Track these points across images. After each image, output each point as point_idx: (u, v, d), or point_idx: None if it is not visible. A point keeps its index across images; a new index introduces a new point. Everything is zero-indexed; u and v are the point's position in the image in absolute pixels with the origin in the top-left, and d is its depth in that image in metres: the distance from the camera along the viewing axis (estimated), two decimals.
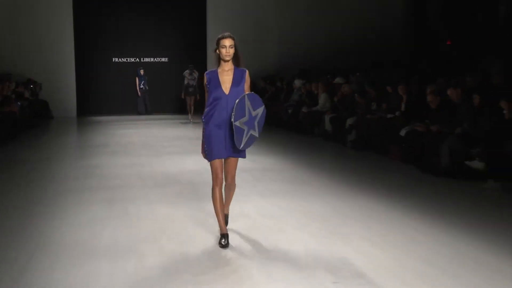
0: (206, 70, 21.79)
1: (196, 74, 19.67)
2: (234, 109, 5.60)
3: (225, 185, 6.09)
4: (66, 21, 21.26)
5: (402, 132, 10.92)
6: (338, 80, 16.03)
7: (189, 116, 19.71)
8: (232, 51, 5.97)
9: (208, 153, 5.87)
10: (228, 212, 6.42)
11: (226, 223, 6.20)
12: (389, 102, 12.67)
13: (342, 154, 12.64)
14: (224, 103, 5.79)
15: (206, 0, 22.23)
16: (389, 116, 12.18)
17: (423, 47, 20.52)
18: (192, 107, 19.66)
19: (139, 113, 22.52)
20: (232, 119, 5.60)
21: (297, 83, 18.33)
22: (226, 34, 5.98)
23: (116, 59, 23.13)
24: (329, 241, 6.01)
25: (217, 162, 5.86)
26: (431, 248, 5.76)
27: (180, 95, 20.13)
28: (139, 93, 22.50)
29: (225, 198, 6.20)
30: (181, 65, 22.70)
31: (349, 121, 13.22)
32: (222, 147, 5.83)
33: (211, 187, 5.95)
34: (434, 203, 7.74)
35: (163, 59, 23.30)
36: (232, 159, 5.94)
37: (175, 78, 22.48)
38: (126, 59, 23.15)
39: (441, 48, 19.49)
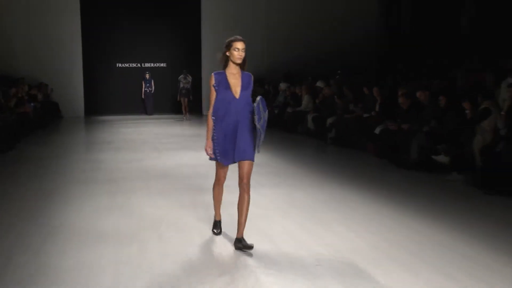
0: (200, 74, 22.13)
1: (189, 78, 20.46)
2: (255, 113, 5.26)
3: (239, 192, 5.63)
4: (74, 30, 21.15)
5: (377, 130, 10.99)
6: (319, 83, 16.07)
7: (185, 114, 20.14)
8: (243, 54, 5.49)
9: (217, 155, 5.57)
10: (242, 236, 5.37)
11: (247, 247, 5.26)
12: (365, 103, 12.72)
13: (323, 149, 12.67)
14: (234, 106, 5.35)
15: (201, 12, 22.18)
16: (365, 115, 12.23)
17: (397, 54, 20.54)
18: (187, 107, 20.31)
19: (147, 114, 22.09)
20: (256, 122, 5.29)
21: (282, 86, 18.36)
22: (239, 37, 5.49)
23: (120, 65, 23.06)
24: (311, 227, 6.04)
25: (223, 167, 5.64)
26: (402, 233, 5.80)
27: (178, 98, 20.53)
28: (143, 95, 22.10)
29: (239, 211, 5.50)
30: (178, 70, 22.69)
31: (329, 120, 13.26)
32: (231, 153, 5.52)
33: (212, 183, 5.90)
34: (404, 193, 7.79)
35: (162, 65, 23.24)
36: (246, 162, 5.58)
37: (173, 81, 22.50)
38: (129, 65, 23.08)
39: (415, 54, 19.53)
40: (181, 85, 20.33)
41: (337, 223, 6.20)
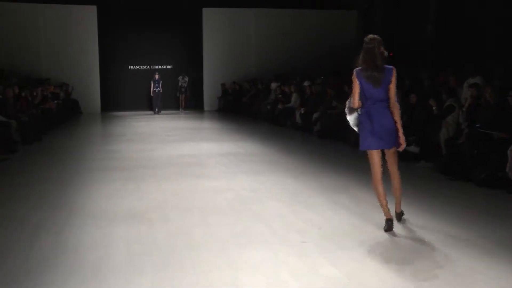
0: (202, 75, 22.11)
1: (186, 78, 21.91)
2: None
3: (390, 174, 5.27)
4: (92, 37, 21.04)
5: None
6: (306, 83, 16.01)
7: (181, 109, 21.63)
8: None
9: (368, 145, 5.07)
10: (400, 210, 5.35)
11: (399, 219, 5.29)
12: (345, 100, 12.65)
13: (309, 141, 12.64)
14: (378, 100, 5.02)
15: (202, 21, 22.07)
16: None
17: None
18: (183, 102, 21.68)
19: (154, 113, 20.79)
20: (359, 112, 5.14)
21: (273, 85, 18.31)
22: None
23: (132, 67, 22.95)
24: (299, 209, 6.00)
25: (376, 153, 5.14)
26: (378, 212, 5.79)
27: (177, 94, 21.95)
28: (151, 93, 20.92)
29: (395, 191, 5.30)
30: (182, 71, 22.65)
31: (315, 115, 13.21)
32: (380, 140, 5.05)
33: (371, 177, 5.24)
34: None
35: (168, 67, 23.14)
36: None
37: (177, 81, 22.48)
38: (140, 67, 22.98)
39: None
40: (180, 84, 21.80)
41: (322, 206, 6.16)
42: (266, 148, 11.06)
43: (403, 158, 9.04)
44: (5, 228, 5.33)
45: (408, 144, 9.12)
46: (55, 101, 16.68)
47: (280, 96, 16.90)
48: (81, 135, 14.40)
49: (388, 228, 5.07)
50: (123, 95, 22.69)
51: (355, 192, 6.85)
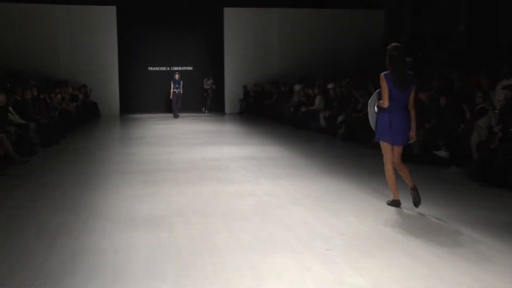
0: (223, 77, 22.17)
1: (210, 81, 22.09)
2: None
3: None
4: (111, 38, 21.27)
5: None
6: (330, 85, 15.95)
7: (205, 110, 21.98)
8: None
9: (385, 138, 6.09)
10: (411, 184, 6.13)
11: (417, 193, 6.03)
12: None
13: (333, 144, 12.60)
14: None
15: (224, 20, 22.15)
16: None
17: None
18: (207, 104, 22.01)
19: (174, 117, 20.04)
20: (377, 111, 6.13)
21: (297, 87, 18.29)
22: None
23: (151, 68, 23.15)
24: (323, 215, 5.97)
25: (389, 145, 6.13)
26: (407, 219, 5.72)
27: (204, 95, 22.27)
28: (171, 96, 20.10)
29: (406, 179, 6.17)
30: (203, 73, 22.79)
31: (340, 118, 13.16)
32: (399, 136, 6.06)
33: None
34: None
35: (188, 68, 23.28)
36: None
37: (199, 83, 22.58)
38: (159, 68, 23.16)
39: (413, 59, 19.37)
40: (205, 87, 22.11)
41: (346, 212, 6.12)
42: (289, 152, 11.03)
43: (432, 163, 8.99)
44: (24, 232, 5.40)
45: (437, 149, 9.07)
46: (74, 103, 16.90)
47: (304, 98, 16.87)
48: (100, 137, 14.54)
49: (395, 205, 6.16)
50: (143, 97, 22.89)
51: (379, 197, 6.79)
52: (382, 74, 5.91)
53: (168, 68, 23.04)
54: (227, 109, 22.60)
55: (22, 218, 5.92)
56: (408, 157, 9.37)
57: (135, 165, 9.47)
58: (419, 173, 8.62)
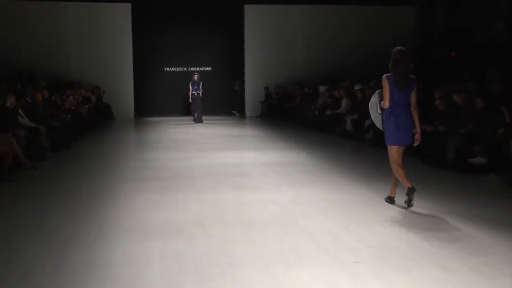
0: (244, 78, 22.17)
1: (238, 83, 23.01)
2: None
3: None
4: (126, 38, 21.45)
5: (413, 131, 10.74)
6: (357, 86, 15.88)
7: (235, 112, 23.18)
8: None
9: (393, 141, 6.75)
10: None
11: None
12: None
13: (360, 150, 12.53)
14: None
15: (244, 18, 22.21)
16: None
17: (428, 58, 20.22)
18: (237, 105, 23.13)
19: (195, 121, 19.33)
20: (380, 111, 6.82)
21: (322, 89, 18.23)
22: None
23: (168, 69, 23.30)
24: (349, 225, 5.93)
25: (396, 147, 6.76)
26: (440, 232, 5.65)
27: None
28: (190, 99, 19.55)
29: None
30: (222, 74, 22.88)
31: (367, 122, 13.06)
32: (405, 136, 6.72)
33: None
34: (441, 192, 7.60)
35: (207, 69, 23.36)
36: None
37: (218, 84, 22.67)
38: (176, 69, 23.31)
39: (445, 59, 19.21)
40: (235, 87, 23.28)
41: (373, 222, 6.07)
42: (313, 158, 11.00)
43: (469, 171, 8.86)
44: (34, 241, 5.45)
45: (473, 156, 8.95)
46: (86, 106, 17.08)
47: (329, 100, 16.82)
48: (114, 141, 14.65)
49: (410, 195, 6.51)
50: (159, 99, 23.04)
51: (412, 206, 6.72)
52: (384, 76, 6.56)
53: (186, 69, 23.16)
54: (248, 112, 22.64)
55: (33, 226, 5.98)
56: (442, 164, 9.32)
57: (151, 171, 9.51)
58: (453, 182, 8.53)
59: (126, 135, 16.82)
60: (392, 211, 6.56)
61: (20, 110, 10.99)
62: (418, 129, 6.65)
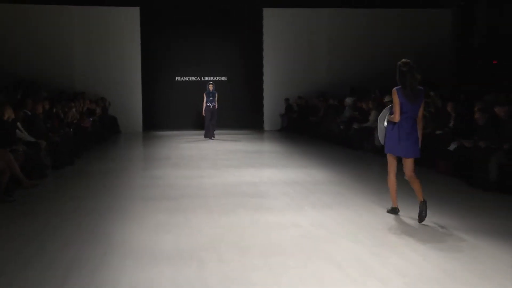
0: (262, 88, 22.13)
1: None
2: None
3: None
4: (134, 45, 21.61)
5: (452, 147, 10.68)
6: (387, 98, 15.83)
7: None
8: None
9: (394, 151, 7.36)
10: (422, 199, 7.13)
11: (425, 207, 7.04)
12: (438, 119, 12.42)
13: None
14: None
15: (263, 24, 22.31)
16: (437, 132, 11.93)
17: (468, 67, 20.13)
18: None
19: (208, 137, 18.77)
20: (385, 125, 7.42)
21: (348, 100, 18.20)
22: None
23: (179, 78, 23.40)
24: (379, 251, 5.88)
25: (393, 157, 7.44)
26: (479, 259, 5.58)
27: None
28: (203, 112, 18.85)
29: (417, 192, 7.18)
30: (238, 84, 22.90)
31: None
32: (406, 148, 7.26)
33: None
34: (482, 216, 7.52)
35: (222, 78, 23.42)
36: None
37: (234, 96, 22.67)
38: (188, 78, 23.39)
39: (487, 68, 19.10)
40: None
41: (407, 247, 6.02)
42: (339, 176, 10.95)
43: None
44: (35, 266, 5.48)
45: None
46: (91, 119, 17.20)
47: (356, 113, 16.78)
48: (120, 158, 14.73)
49: (394, 212, 7.46)
50: (169, 112, 23.15)
51: (446, 231, 6.66)
52: (394, 89, 7.14)
53: (199, 78, 23.26)
54: (266, 125, 22.68)
55: (32, 250, 6.02)
56: (484, 184, 9.23)
57: (160, 191, 9.54)
58: (496, 203, 8.43)
59: (133, 150, 16.90)
60: (428, 235, 6.50)
61: (18, 124, 11.07)
62: (420, 138, 7.29)
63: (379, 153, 13.88)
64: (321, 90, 21.68)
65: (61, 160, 12.05)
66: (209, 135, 18.84)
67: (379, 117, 7.60)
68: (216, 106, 18.91)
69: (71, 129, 14.30)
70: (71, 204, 8.52)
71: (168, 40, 23.00)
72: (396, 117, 7.09)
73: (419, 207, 7.05)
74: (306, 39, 22.38)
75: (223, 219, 7.40)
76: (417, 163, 11.91)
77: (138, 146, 18.09)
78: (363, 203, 8.43)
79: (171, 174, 11.34)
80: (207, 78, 22.82)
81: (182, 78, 23.39)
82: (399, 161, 7.46)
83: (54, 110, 14.47)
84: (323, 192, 9.31)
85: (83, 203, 8.53)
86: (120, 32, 21.57)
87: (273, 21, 22.30)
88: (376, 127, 14.59)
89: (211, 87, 18.91)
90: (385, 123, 7.40)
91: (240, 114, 23.41)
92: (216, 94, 18.91)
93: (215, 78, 23.02)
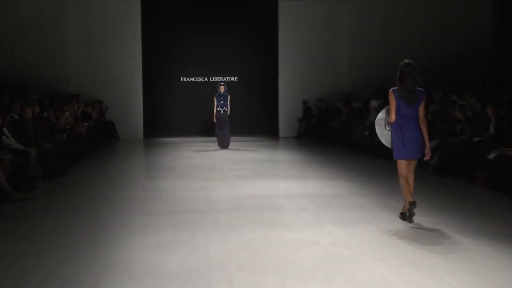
0: (277, 89, 22.06)
1: None
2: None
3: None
4: (134, 39, 21.68)
5: (491, 156, 10.58)
6: (375, 102, 15.77)
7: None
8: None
9: (402, 155, 7.99)
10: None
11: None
12: (475, 124, 12.34)
13: (422, 180, 12.33)
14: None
15: (278, 18, 22.32)
16: (475, 139, 11.87)
17: (509, 64, 19.99)
18: None
19: (221, 146, 18.33)
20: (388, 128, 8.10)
21: (374, 103, 18.12)
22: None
23: (184, 79, 23.39)
24: (409, 273, 5.88)
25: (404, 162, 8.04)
26: None
27: None
28: (214, 118, 18.30)
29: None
30: (251, 84, 22.85)
31: (431, 144, 12.90)
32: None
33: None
34: None
35: (232, 78, 23.38)
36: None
37: (246, 98, 22.58)
38: (195, 79, 23.38)
39: None
40: None
41: (440, 269, 6.02)
42: (363, 189, 10.94)
43: None
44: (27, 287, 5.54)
45: None
46: (86, 123, 17.28)
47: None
48: (119, 167, 14.79)
49: (410, 210, 7.88)
50: (174, 116, 23.16)
51: (483, 250, 6.65)
52: (391, 89, 7.90)
53: (206, 79, 23.28)
54: (282, 131, 22.66)
55: (21, 271, 6.06)
56: None
57: (163, 204, 9.59)
58: None
59: (133, 159, 16.96)
60: (463, 256, 6.48)
61: (5, 129, 11.09)
62: (427, 143, 7.97)
63: None
64: (343, 91, 21.65)
65: (53, 170, 12.07)
66: (223, 144, 18.32)
67: (376, 120, 8.31)
68: (229, 111, 18.33)
69: (64, 135, 14.35)
70: (64, 219, 8.56)
71: (172, 35, 23.03)
72: (392, 117, 7.89)
73: (408, 207, 7.86)
74: (327, 34, 22.33)
75: (234, 237, 7.42)
76: (454, 175, 11.96)
77: (138, 154, 18.14)
78: (389, 218, 8.41)
79: (175, 186, 11.39)
80: (216, 79, 22.82)
81: (188, 78, 23.40)
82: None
83: (45, 114, 14.52)
84: (345, 206, 9.31)
85: (77, 219, 8.57)
86: (119, 25, 21.59)
87: (289, 15, 22.29)
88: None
89: (222, 88, 18.36)
90: (387, 127, 8.12)
91: (252, 119, 23.35)
92: (229, 97, 18.33)
93: (225, 78, 22.97)
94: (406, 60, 8.06)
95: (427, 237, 7.37)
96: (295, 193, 10.44)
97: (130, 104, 21.83)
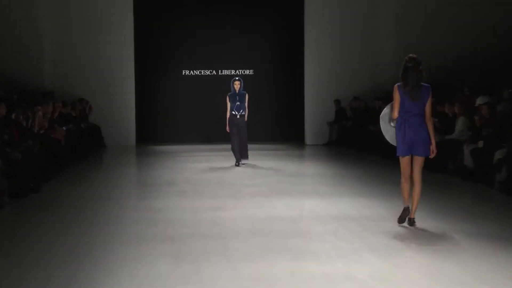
0: (303, 87, 22.03)
1: None
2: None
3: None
4: (125, 25, 21.80)
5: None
6: (480, 100, 15.70)
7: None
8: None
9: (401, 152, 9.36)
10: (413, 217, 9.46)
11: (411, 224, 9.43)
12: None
13: (487, 199, 12.35)
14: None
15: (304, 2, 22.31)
16: None
17: None
18: None
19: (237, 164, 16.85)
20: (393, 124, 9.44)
21: None
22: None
23: (187, 72, 23.39)
24: None
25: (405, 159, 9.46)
26: None
27: None
28: (227, 126, 16.95)
29: (414, 196, 9.42)
30: (269, 79, 22.82)
31: (498, 155, 12.89)
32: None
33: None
34: None
35: (247, 72, 23.36)
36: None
37: (264, 95, 22.54)
38: (200, 72, 23.37)
39: None
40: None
41: None
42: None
43: None
44: None
45: None
46: (65, 128, 17.31)
47: (436, 120, 16.72)
48: (105, 182, 14.83)
49: (402, 216, 9.43)
50: (173, 119, 23.19)
51: None
52: (395, 85, 9.18)
53: (214, 72, 23.28)
54: (309, 138, 22.67)
55: None
56: None
57: (161, 229, 9.59)
58: None
59: (123, 172, 16.98)
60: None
61: None
62: (433, 141, 9.23)
63: (470, 177, 13.81)
64: (384, 89, 21.54)
65: (23, 186, 12.11)
66: (239, 159, 17.00)
67: (381, 116, 9.60)
68: (246, 115, 17.14)
69: (37, 143, 14.38)
70: (37, 246, 8.57)
71: (172, 19, 23.05)
72: (395, 113, 9.19)
73: (403, 211, 9.40)
74: (364, 20, 22.34)
75: (248, 269, 7.41)
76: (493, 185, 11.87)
77: (130, 166, 18.20)
78: (445, 246, 8.42)
79: (176, 206, 11.40)
80: (226, 72, 22.86)
81: (192, 72, 23.42)
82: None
83: (13, 115, 14.54)
84: (388, 232, 9.27)
85: (53, 247, 8.56)
86: (106, 7, 21.70)
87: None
88: (465, 140, 14.60)
89: (237, 85, 16.98)
90: (392, 123, 9.43)
91: (272, 122, 23.39)
92: (246, 96, 17.07)
93: (238, 71, 22.98)
94: (410, 55, 9.25)
95: (491, 269, 7.31)
96: (325, 215, 10.44)
97: (120, 104, 21.90)
